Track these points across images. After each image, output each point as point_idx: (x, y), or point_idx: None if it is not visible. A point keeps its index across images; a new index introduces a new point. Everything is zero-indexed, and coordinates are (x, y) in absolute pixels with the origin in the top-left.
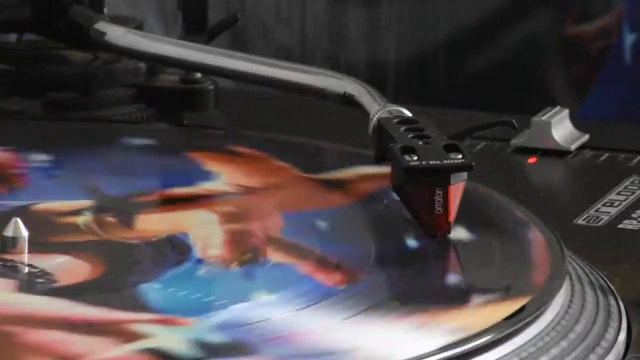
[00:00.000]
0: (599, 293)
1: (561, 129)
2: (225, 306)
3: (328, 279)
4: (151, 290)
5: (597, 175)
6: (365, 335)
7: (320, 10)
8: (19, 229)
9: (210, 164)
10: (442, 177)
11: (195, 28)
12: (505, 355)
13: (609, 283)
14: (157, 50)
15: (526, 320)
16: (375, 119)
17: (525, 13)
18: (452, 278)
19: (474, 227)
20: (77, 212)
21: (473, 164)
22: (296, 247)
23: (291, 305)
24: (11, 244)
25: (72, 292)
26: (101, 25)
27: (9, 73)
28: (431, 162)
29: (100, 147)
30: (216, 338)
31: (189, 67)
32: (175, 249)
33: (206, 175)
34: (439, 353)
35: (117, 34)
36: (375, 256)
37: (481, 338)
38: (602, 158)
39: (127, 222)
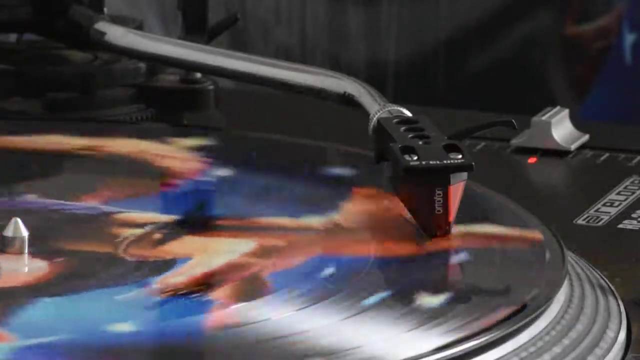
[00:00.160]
0: (599, 293)
1: (561, 129)
2: (57, 332)
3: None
4: (39, 305)
5: (597, 175)
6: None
7: (320, 10)
8: (19, 229)
9: (354, 200)
10: (442, 177)
11: (195, 28)
12: (505, 355)
13: (609, 283)
14: (157, 50)
15: (526, 320)
16: (375, 119)
17: (525, 13)
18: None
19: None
20: (140, 225)
21: (473, 164)
22: (255, 286)
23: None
24: (10, 244)
25: None
26: (101, 25)
27: (9, 73)
28: (431, 162)
29: (278, 167)
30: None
31: (189, 67)
32: (148, 271)
33: (325, 209)
34: (439, 353)
35: (117, 34)
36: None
37: (481, 338)
38: (602, 158)
39: (164, 240)
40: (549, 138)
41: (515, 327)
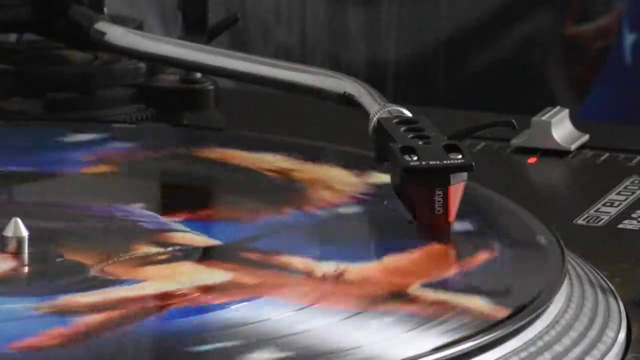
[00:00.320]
0: (599, 293)
1: (561, 129)
2: None
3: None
4: None
5: (597, 175)
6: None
7: (320, 10)
8: (19, 229)
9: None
10: (442, 177)
11: (195, 28)
12: (505, 355)
13: (609, 283)
14: (157, 50)
15: (526, 320)
16: (375, 119)
17: (525, 13)
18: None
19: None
20: (168, 245)
21: (473, 164)
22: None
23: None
24: (10, 244)
25: None
26: (101, 25)
27: (9, 73)
28: (431, 162)
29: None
30: None
31: (189, 67)
32: (79, 287)
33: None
34: (438, 353)
35: (117, 34)
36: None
37: (481, 338)
38: (602, 158)
39: (157, 262)
40: (549, 138)
41: (515, 327)
